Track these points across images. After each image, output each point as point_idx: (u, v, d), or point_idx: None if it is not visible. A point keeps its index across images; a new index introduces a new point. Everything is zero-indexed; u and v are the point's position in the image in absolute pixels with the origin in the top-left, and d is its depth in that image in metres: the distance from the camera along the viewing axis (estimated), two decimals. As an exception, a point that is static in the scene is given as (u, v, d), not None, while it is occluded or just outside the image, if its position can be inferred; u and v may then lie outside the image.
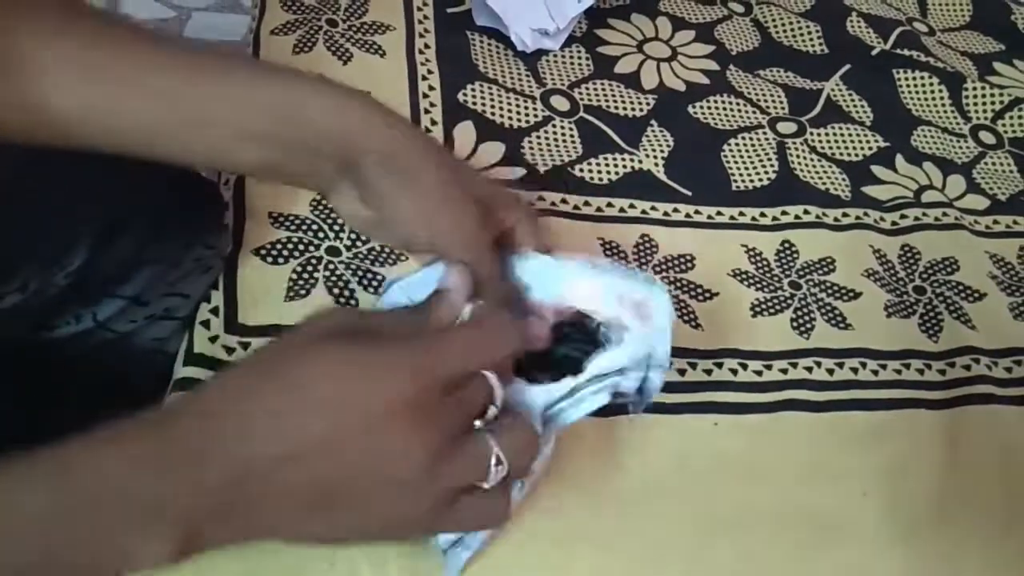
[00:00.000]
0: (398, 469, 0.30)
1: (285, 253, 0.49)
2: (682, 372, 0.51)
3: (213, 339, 0.45)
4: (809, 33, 0.76)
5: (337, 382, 0.30)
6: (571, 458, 0.45)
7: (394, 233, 0.39)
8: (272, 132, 0.36)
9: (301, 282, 0.48)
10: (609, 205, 0.58)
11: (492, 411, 0.32)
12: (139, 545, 0.27)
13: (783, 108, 0.69)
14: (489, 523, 0.35)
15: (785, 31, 0.76)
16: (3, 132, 0.35)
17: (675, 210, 0.59)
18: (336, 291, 0.49)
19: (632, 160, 0.62)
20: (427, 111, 0.59)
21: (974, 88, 0.74)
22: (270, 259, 0.49)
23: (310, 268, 0.49)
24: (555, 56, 0.67)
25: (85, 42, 0.34)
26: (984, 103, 0.73)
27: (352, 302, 0.48)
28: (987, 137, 0.72)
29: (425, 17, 0.66)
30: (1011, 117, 0.73)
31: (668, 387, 0.49)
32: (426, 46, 0.64)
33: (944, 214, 0.64)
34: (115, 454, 0.27)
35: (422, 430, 0.30)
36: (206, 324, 0.46)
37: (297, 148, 0.37)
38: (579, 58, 0.68)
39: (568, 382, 0.37)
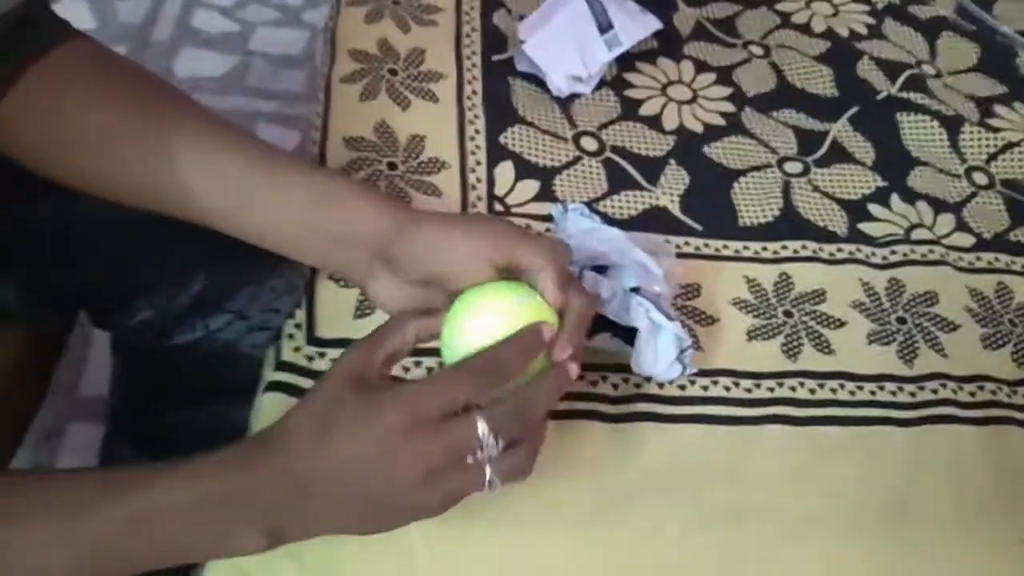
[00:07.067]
0: (402, 483, 0.39)
1: (353, 278, 0.59)
2: (682, 388, 0.60)
3: (297, 349, 0.56)
4: (822, 76, 0.83)
5: (365, 442, 0.39)
6: (580, 455, 0.55)
7: (441, 287, 0.47)
8: (310, 220, 0.46)
9: (368, 303, 0.58)
10: (628, 238, 0.67)
11: (490, 447, 0.39)
12: (241, 537, 0.39)
13: (791, 148, 0.77)
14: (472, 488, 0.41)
15: (799, 73, 0.83)
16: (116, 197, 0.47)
17: (686, 243, 0.68)
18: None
19: (651, 197, 0.70)
20: (473, 153, 0.69)
21: (971, 132, 0.80)
22: (342, 284, 0.59)
23: (374, 291, 0.59)
24: (587, 99, 0.76)
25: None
26: (980, 145, 0.80)
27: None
28: (980, 178, 0.78)
29: (473, 65, 0.75)
30: (1004, 159, 0.80)
31: (667, 400, 0.59)
32: (473, 92, 0.73)
33: (931, 251, 0.71)
34: (222, 477, 0.39)
35: (416, 458, 0.39)
36: (291, 337, 0.56)
37: (333, 237, 0.47)
38: (608, 101, 0.76)
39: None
